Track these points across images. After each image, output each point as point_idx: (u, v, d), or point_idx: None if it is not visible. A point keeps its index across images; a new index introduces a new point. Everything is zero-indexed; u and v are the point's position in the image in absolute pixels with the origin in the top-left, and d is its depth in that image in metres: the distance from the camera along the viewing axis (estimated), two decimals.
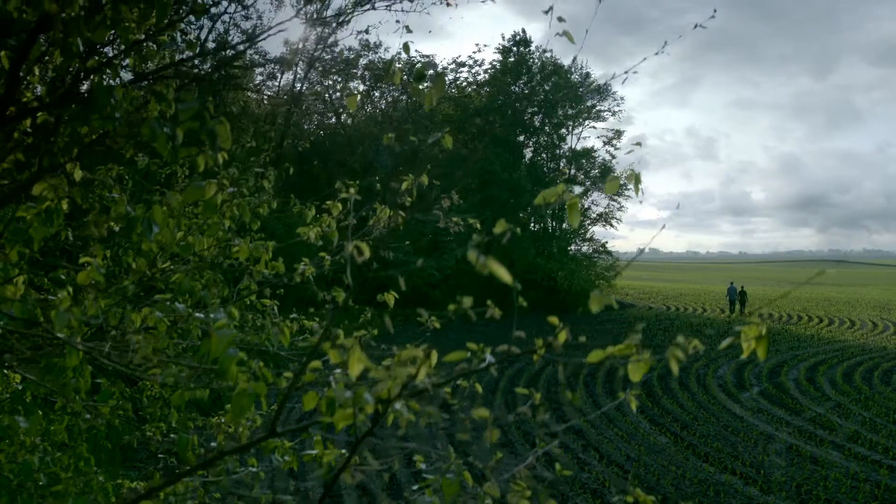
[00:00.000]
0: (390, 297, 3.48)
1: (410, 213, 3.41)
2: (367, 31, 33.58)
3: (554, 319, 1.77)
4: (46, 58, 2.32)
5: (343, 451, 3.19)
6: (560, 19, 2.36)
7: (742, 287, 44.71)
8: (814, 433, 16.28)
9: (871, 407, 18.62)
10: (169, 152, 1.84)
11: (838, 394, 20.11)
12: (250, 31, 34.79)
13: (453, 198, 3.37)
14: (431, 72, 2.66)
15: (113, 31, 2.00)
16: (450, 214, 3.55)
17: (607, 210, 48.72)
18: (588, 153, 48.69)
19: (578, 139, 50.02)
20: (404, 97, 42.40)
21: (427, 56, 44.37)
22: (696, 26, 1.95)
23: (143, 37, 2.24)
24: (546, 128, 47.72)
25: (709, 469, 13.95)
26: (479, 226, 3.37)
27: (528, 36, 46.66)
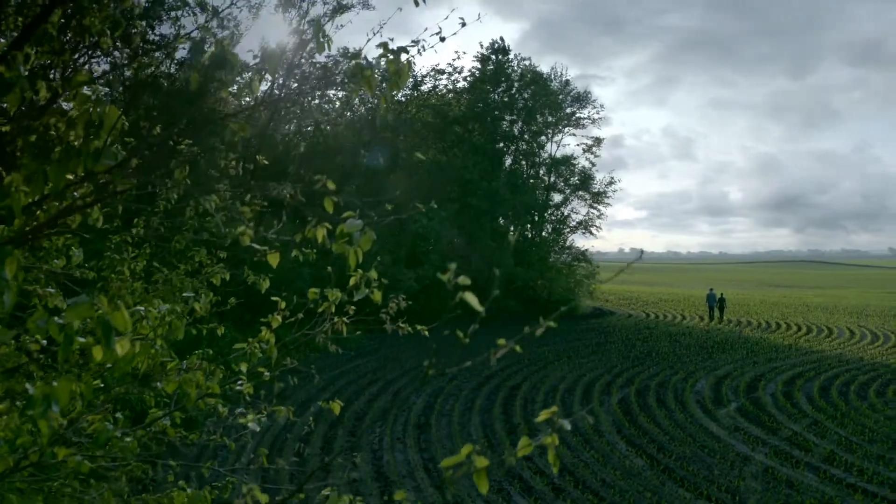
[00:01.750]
0: (336, 406, 3.34)
1: (355, 319, 3.26)
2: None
3: None
4: None
5: None
6: None
7: (721, 294, 44.95)
8: (790, 454, 16.27)
9: (847, 424, 18.66)
10: (63, 345, 1.70)
11: (815, 410, 20.14)
12: (227, 39, 34.53)
13: (400, 301, 3.24)
14: (360, 226, 2.52)
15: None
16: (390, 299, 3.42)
17: (587, 218, 48.84)
18: (567, 160, 48.75)
19: (558, 146, 50.11)
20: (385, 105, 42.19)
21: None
22: (626, 265, 1.84)
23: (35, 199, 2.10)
24: (525, 135, 47.74)
25: (685, 494, 13.88)
26: (426, 333, 3.25)
27: (506, 44, 46.66)
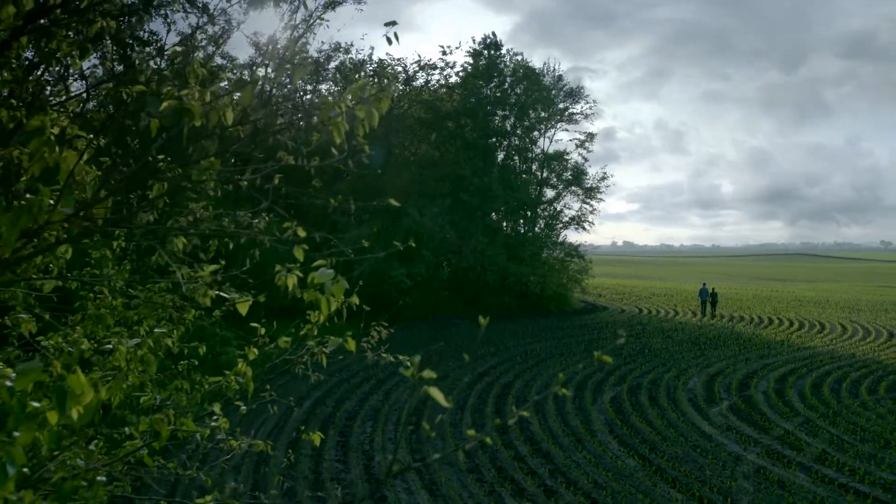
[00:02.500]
0: (316, 438, 3.25)
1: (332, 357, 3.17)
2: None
3: None
4: None
5: None
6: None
7: (713, 289, 44.99)
8: (782, 453, 16.25)
9: (838, 423, 18.65)
10: (15, 412, 1.60)
11: (807, 408, 20.14)
12: (217, 34, 34.44)
13: (383, 333, 3.15)
14: (331, 275, 2.49)
15: None
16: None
17: (580, 213, 48.78)
18: (560, 156, 48.68)
19: (551, 141, 50.01)
20: None
21: (397, 59, 44.18)
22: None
23: None
24: (518, 131, 47.63)
25: (676, 496, 13.84)
26: (409, 363, 3.18)
27: (498, 39, 46.51)
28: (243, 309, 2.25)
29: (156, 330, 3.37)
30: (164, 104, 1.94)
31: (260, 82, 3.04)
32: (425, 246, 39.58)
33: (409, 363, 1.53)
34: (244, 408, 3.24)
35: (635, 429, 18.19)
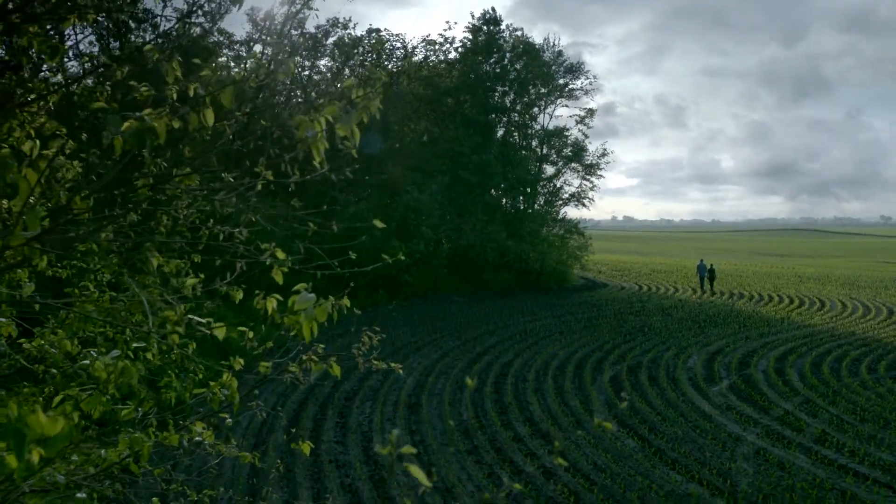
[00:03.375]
0: (306, 448, 3.13)
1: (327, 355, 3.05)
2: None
3: None
4: None
5: None
6: None
7: (711, 265, 44.98)
8: (781, 434, 16.21)
9: (838, 402, 18.61)
10: None
11: (806, 388, 20.09)
12: (214, 10, 34.12)
13: (373, 339, 3.04)
14: (312, 300, 2.42)
15: None
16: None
17: (580, 190, 48.58)
18: (560, 132, 48.40)
19: (551, 118, 49.71)
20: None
21: (396, 34, 43.78)
22: None
23: None
24: (517, 107, 47.32)
25: (675, 478, 13.80)
26: (400, 371, 3.06)
27: (498, 15, 46.06)
28: (220, 333, 2.13)
29: (134, 345, 3.26)
30: (126, 124, 1.80)
31: (253, 74, 2.88)
32: (424, 223, 39.44)
33: (390, 441, 1.41)
34: (230, 420, 3.14)
35: (635, 408, 18.15)
